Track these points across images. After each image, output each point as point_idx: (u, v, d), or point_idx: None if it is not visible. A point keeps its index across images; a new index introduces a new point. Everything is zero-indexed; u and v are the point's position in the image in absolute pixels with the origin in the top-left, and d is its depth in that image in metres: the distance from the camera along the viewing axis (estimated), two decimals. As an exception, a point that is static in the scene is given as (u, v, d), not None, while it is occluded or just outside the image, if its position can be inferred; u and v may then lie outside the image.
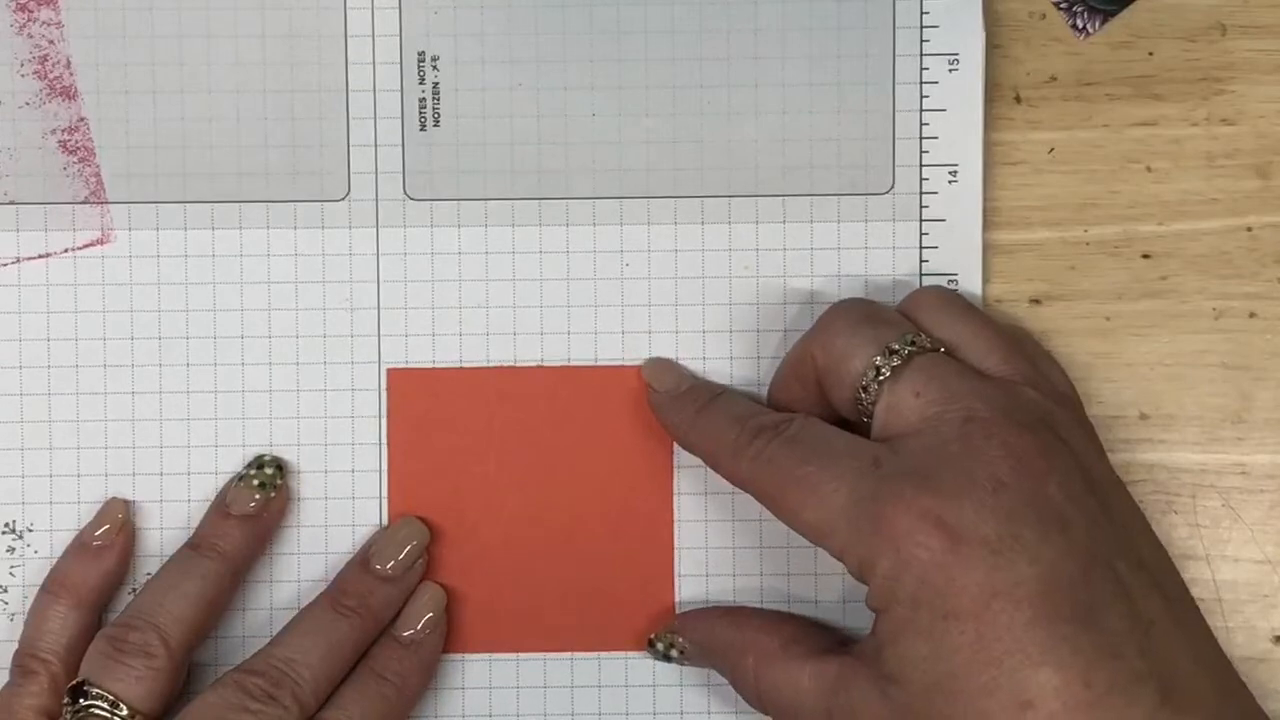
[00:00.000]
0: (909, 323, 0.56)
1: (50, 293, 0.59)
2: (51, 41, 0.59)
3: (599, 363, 0.60)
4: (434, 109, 0.59)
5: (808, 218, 0.59)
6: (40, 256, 0.59)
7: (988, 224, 0.60)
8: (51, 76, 0.59)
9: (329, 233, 0.59)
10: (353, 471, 0.60)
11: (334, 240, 0.59)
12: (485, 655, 0.60)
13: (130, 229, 0.59)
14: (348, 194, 0.59)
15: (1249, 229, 0.60)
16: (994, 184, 0.60)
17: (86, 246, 0.59)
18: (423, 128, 0.59)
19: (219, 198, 0.59)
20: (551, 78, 0.59)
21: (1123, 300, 0.60)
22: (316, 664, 0.56)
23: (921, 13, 0.59)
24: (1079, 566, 0.51)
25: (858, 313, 0.56)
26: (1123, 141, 0.60)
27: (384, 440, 0.60)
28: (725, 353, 0.60)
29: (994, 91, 0.59)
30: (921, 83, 0.59)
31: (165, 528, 0.60)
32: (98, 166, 0.59)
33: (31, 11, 0.59)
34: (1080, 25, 0.59)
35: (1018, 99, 0.60)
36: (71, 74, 0.59)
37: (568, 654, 0.60)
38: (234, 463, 0.59)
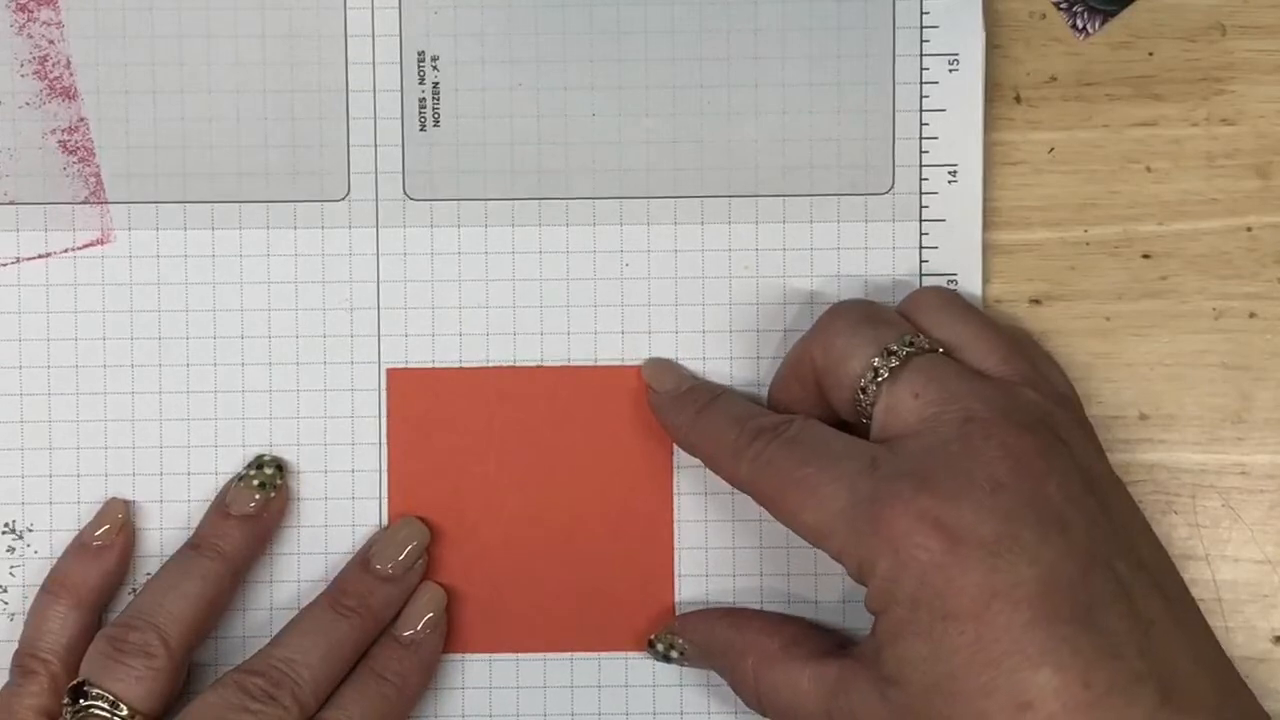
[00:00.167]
0: (908, 323, 0.56)
1: (50, 293, 0.59)
2: (51, 41, 0.59)
3: (599, 363, 0.60)
4: (434, 109, 0.59)
5: (807, 218, 0.59)
6: (40, 256, 0.59)
7: (987, 224, 0.60)
8: (51, 76, 0.59)
9: (329, 233, 0.59)
10: (353, 471, 0.60)
11: (334, 240, 0.59)
12: (485, 655, 0.60)
13: (130, 229, 0.59)
14: (348, 194, 0.59)
15: (1249, 229, 0.60)
16: (994, 184, 0.60)
17: (86, 246, 0.59)
18: (423, 128, 0.59)
19: (219, 198, 0.59)
20: (551, 78, 0.59)
21: (1123, 300, 0.60)
22: (316, 664, 0.56)
23: (921, 13, 0.59)
24: (1078, 567, 0.50)
25: (857, 313, 0.56)
26: (1123, 141, 0.60)
27: (384, 440, 0.60)
28: (725, 353, 0.60)
29: (994, 91, 0.59)
30: (921, 83, 0.59)
31: (165, 528, 0.60)
32: (98, 166, 0.59)
33: (31, 11, 0.59)
34: (1080, 25, 0.59)
35: (1018, 99, 0.60)
36: (71, 74, 0.59)
37: (568, 654, 0.60)
38: (234, 463, 0.59)
